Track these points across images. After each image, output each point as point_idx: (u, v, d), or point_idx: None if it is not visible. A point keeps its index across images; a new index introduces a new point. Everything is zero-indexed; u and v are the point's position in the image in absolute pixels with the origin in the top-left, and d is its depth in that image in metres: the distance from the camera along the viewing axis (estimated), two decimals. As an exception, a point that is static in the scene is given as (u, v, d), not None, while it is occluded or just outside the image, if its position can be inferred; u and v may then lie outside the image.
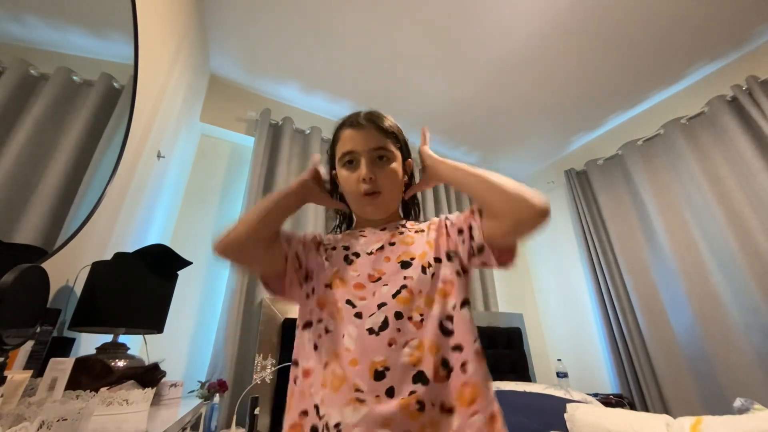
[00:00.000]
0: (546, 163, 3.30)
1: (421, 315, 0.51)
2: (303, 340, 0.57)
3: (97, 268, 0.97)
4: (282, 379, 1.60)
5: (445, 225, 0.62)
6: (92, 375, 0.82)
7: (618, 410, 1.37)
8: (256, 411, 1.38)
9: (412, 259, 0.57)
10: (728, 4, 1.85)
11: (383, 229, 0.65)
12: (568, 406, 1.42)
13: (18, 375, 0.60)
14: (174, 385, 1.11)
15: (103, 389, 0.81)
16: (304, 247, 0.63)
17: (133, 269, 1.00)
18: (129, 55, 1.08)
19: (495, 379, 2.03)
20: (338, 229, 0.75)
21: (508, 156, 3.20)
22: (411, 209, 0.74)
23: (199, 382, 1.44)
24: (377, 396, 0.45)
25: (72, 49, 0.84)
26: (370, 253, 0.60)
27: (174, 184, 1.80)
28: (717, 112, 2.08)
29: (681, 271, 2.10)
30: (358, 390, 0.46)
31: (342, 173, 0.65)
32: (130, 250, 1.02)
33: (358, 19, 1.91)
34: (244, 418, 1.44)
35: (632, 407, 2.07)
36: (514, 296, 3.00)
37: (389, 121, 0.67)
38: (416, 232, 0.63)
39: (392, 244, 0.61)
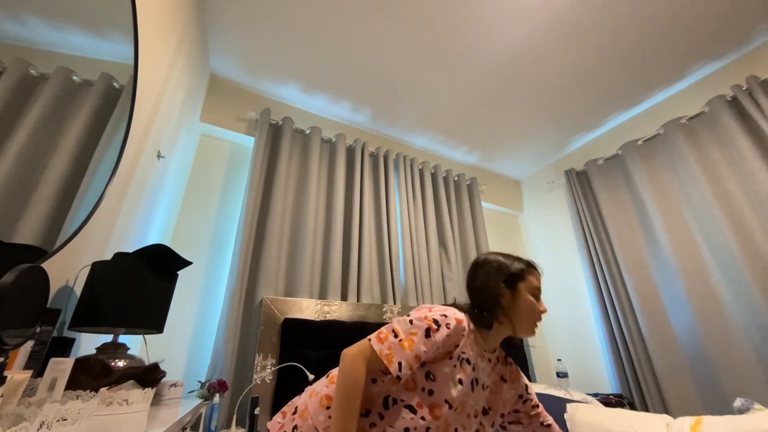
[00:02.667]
0: (546, 163, 3.30)
1: None
2: (400, 412, 0.66)
3: (97, 268, 0.97)
4: (282, 379, 1.60)
5: (522, 393, 0.85)
6: (92, 375, 0.82)
7: (618, 410, 1.37)
8: (256, 411, 1.38)
9: (489, 410, 0.77)
10: (728, 4, 1.85)
11: (490, 361, 0.81)
12: (568, 406, 1.42)
13: (18, 375, 0.60)
14: (174, 385, 1.10)
15: (103, 389, 0.81)
16: (438, 352, 0.71)
17: (133, 269, 1.00)
18: (129, 55, 1.08)
19: (495, 379, 2.02)
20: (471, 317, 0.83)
21: (508, 156, 3.20)
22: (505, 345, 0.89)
23: (199, 382, 1.44)
24: None
25: (72, 49, 0.84)
26: (482, 387, 0.76)
27: (174, 184, 1.80)
28: (717, 112, 2.08)
29: (681, 271, 2.10)
30: None
31: (529, 299, 0.81)
32: (130, 250, 1.02)
33: (358, 20, 1.91)
34: (244, 418, 1.44)
35: (632, 407, 2.07)
36: (514, 296, 3.00)
37: None
38: (502, 384, 0.82)
39: (489, 387, 0.79)
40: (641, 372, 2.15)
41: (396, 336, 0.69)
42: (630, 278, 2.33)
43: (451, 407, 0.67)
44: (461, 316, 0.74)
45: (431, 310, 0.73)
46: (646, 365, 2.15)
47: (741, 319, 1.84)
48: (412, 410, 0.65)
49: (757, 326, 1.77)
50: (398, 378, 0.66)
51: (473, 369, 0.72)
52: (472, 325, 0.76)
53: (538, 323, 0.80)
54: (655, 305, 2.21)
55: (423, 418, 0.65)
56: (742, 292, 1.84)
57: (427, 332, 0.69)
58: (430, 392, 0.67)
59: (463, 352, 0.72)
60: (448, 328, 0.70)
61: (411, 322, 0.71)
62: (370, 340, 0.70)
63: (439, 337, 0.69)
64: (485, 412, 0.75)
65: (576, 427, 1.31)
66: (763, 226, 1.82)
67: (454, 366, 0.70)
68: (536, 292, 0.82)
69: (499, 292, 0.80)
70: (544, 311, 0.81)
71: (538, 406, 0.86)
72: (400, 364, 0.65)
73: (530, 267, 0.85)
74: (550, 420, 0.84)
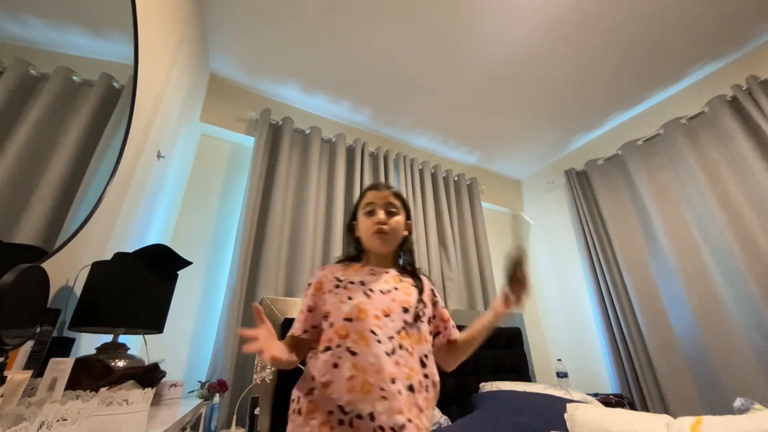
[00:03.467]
0: (546, 163, 3.30)
1: (412, 348, 0.76)
2: (321, 360, 0.73)
3: (97, 268, 0.97)
4: (282, 378, 1.60)
5: (432, 300, 0.90)
6: (92, 375, 0.82)
7: (618, 410, 1.37)
8: (256, 411, 1.39)
9: (409, 307, 0.80)
10: (728, 4, 1.85)
11: (387, 273, 0.86)
12: (568, 406, 1.42)
13: (18, 375, 0.60)
14: (174, 385, 1.10)
15: (103, 389, 0.81)
16: (320, 300, 0.84)
17: (133, 269, 1.00)
18: (129, 55, 1.08)
19: (495, 379, 2.03)
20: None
21: (508, 156, 3.20)
22: (403, 258, 0.96)
23: (199, 382, 1.44)
24: (392, 393, 0.68)
25: (72, 49, 0.84)
26: (383, 292, 0.80)
27: (174, 184, 1.80)
28: (717, 112, 2.08)
29: (681, 271, 2.10)
30: (382, 390, 0.68)
31: (363, 220, 0.90)
32: (130, 250, 1.02)
33: (357, 20, 1.91)
34: (244, 418, 1.44)
35: (632, 407, 2.07)
36: (514, 296, 3.00)
37: (398, 190, 0.95)
38: (412, 285, 0.87)
39: (396, 289, 0.83)
40: (641, 372, 2.15)
41: None
42: (630, 278, 2.33)
43: (350, 320, 0.75)
44: (326, 266, 0.92)
45: None
46: (646, 365, 2.15)
47: (741, 319, 1.84)
48: (328, 349, 0.74)
49: (757, 326, 1.77)
50: (294, 335, 0.81)
51: (362, 284, 0.82)
52: (341, 264, 0.91)
53: (377, 234, 0.87)
54: (655, 305, 2.21)
55: (338, 346, 0.73)
56: (742, 292, 1.84)
57: (305, 294, 0.87)
58: (332, 324, 0.77)
59: (342, 279, 0.83)
60: (316, 278, 0.87)
61: None
62: None
63: (310, 289, 0.86)
64: (405, 310, 0.79)
65: (576, 427, 1.31)
66: (763, 226, 1.82)
67: (338, 294, 0.81)
68: (368, 208, 0.90)
69: (353, 230, 0.96)
70: (379, 220, 0.87)
71: (447, 321, 0.91)
72: (294, 326, 0.82)
73: (363, 193, 0.95)
74: (454, 335, 0.91)
